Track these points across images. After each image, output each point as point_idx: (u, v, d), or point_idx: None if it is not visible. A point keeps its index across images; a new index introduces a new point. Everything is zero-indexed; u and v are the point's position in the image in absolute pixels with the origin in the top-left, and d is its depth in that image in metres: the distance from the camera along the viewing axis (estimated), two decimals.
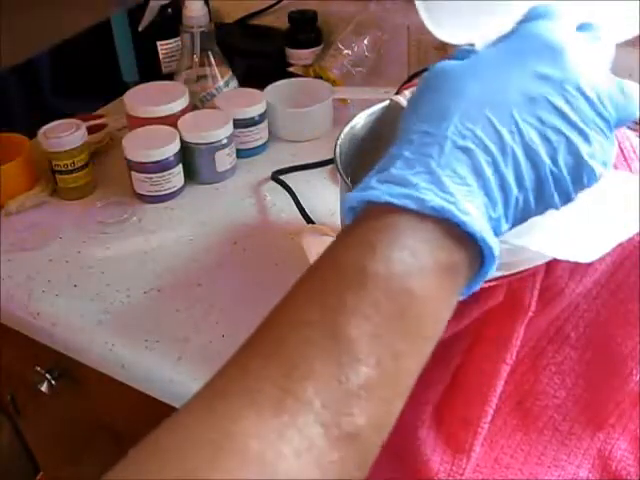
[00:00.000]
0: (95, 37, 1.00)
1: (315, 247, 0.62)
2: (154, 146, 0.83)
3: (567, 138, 0.33)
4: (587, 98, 0.34)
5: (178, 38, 1.00)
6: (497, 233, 0.34)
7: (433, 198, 0.31)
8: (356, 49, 1.04)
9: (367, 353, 0.30)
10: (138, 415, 0.79)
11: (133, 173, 0.85)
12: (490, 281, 0.45)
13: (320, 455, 0.28)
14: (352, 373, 0.29)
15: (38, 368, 0.81)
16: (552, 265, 0.47)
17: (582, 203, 0.36)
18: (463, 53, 0.38)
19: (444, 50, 0.99)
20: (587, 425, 0.49)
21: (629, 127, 0.50)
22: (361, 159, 0.67)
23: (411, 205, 0.31)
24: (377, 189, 0.33)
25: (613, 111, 0.34)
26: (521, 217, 0.35)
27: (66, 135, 0.84)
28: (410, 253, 0.31)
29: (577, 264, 0.46)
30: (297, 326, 0.31)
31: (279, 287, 0.79)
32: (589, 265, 0.47)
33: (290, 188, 0.85)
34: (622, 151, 0.50)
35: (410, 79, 0.89)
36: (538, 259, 0.45)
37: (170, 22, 1.00)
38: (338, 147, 0.64)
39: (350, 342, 0.30)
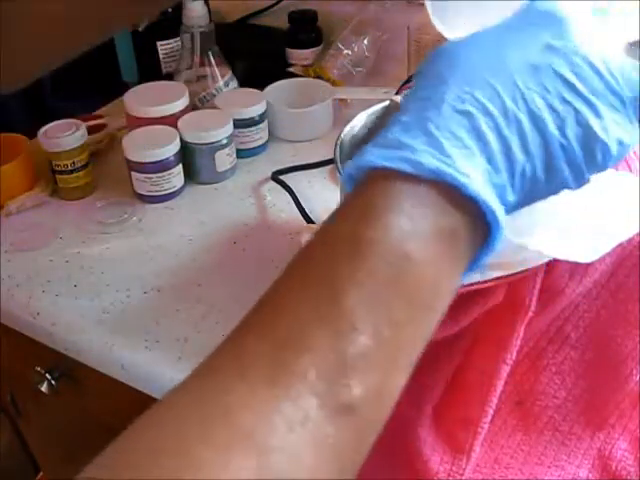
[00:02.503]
0: None
1: None
2: (154, 146, 0.83)
3: (575, 109, 0.32)
4: (596, 70, 0.32)
5: (178, 38, 1.00)
6: (503, 202, 0.32)
7: (430, 160, 0.30)
8: (356, 49, 1.04)
9: (364, 321, 0.28)
10: (138, 415, 0.79)
11: (133, 173, 0.85)
12: (490, 281, 0.45)
13: (315, 428, 0.27)
14: (349, 343, 0.28)
15: (38, 368, 0.81)
16: (552, 265, 0.47)
17: (582, 203, 0.36)
18: None
19: None
20: (587, 425, 0.49)
21: None
22: None
23: (407, 168, 0.30)
24: (372, 153, 0.31)
25: (627, 89, 0.33)
26: (530, 189, 0.33)
27: (66, 135, 0.84)
28: (407, 217, 0.30)
29: (577, 264, 0.46)
30: (291, 301, 0.30)
31: None
32: (589, 265, 0.47)
33: (290, 188, 0.85)
34: None
35: (410, 79, 0.89)
36: (538, 259, 0.45)
37: (170, 22, 1.00)
38: (338, 147, 0.64)
39: (346, 311, 0.28)
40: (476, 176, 0.30)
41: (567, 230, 0.40)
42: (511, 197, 0.32)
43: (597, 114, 0.32)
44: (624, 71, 0.33)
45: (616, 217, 0.44)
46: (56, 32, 0.46)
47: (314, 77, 1.03)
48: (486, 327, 0.49)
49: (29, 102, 1.11)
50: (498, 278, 0.45)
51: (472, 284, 0.44)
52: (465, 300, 0.46)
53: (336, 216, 0.32)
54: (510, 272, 0.45)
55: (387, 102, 0.72)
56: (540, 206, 0.35)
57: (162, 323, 0.69)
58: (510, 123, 0.31)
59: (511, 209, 0.33)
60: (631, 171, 0.49)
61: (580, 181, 0.34)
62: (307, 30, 1.08)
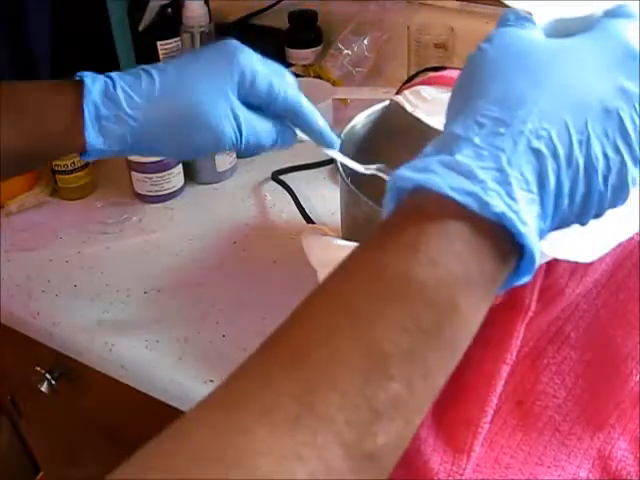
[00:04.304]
0: (95, 37, 1.00)
1: (315, 247, 0.62)
2: None
3: (622, 159, 0.31)
4: None
5: (178, 38, 1.00)
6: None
7: (498, 203, 0.28)
8: (356, 49, 1.04)
9: (400, 370, 0.27)
10: (138, 415, 0.79)
11: (133, 173, 0.85)
12: None
13: (337, 478, 0.26)
14: (381, 390, 0.27)
15: (38, 368, 0.81)
16: (552, 265, 0.47)
17: None
18: (519, 19, 0.35)
19: (444, 49, 0.99)
20: (587, 425, 0.49)
21: None
22: (361, 159, 0.67)
23: (473, 206, 0.28)
24: (439, 175, 0.29)
25: None
26: (557, 228, 0.33)
27: None
28: (460, 262, 0.29)
29: (577, 264, 0.46)
30: (325, 334, 0.28)
31: (279, 287, 0.79)
32: (589, 265, 0.47)
33: (290, 188, 0.85)
34: None
35: (410, 79, 0.89)
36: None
37: (170, 22, 1.00)
38: (338, 147, 0.64)
39: (383, 357, 0.27)
40: (532, 224, 0.29)
41: (567, 230, 0.40)
42: (544, 236, 0.32)
43: (636, 165, 0.32)
44: None
45: (616, 217, 0.44)
46: None
47: (314, 77, 1.03)
48: (486, 327, 0.49)
49: None
50: None
51: None
52: None
53: (384, 244, 0.30)
54: None
55: (387, 102, 0.72)
56: None
57: (162, 323, 0.69)
58: (569, 168, 0.30)
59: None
60: None
61: (599, 217, 0.34)
62: (307, 30, 1.08)
